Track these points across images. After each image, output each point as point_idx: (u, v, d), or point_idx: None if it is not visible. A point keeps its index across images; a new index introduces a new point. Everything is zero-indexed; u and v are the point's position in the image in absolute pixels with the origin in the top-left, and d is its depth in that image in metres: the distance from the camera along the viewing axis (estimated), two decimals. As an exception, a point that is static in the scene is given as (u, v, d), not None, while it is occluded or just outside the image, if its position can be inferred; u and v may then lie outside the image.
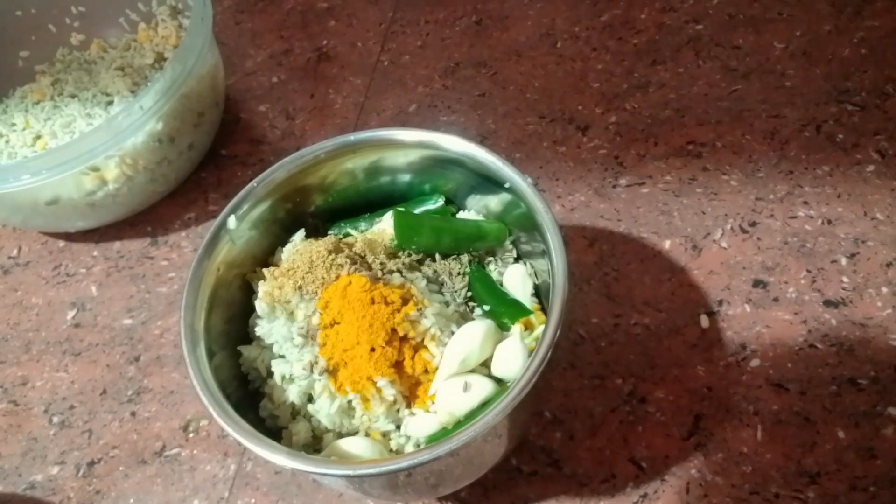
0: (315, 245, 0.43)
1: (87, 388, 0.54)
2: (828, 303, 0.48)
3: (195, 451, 0.50)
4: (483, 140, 0.61)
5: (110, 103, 0.65)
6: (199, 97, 0.59)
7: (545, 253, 0.40)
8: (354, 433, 0.40)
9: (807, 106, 0.58)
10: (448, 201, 0.47)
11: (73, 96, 0.66)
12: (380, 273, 0.42)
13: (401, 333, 0.39)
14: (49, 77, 0.69)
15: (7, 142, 0.64)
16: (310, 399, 0.41)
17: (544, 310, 0.43)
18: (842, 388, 0.44)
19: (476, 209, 0.47)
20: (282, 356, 0.42)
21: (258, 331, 0.42)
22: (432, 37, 0.71)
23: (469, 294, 0.43)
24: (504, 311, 0.42)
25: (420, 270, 0.44)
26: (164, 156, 0.58)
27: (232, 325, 0.44)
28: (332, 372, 0.40)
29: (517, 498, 0.44)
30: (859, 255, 0.49)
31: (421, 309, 0.40)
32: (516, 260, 0.46)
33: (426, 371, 0.39)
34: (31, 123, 0.64)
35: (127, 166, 0.56)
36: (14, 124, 0.65)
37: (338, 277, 0.41)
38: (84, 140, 0.53)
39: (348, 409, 0.40)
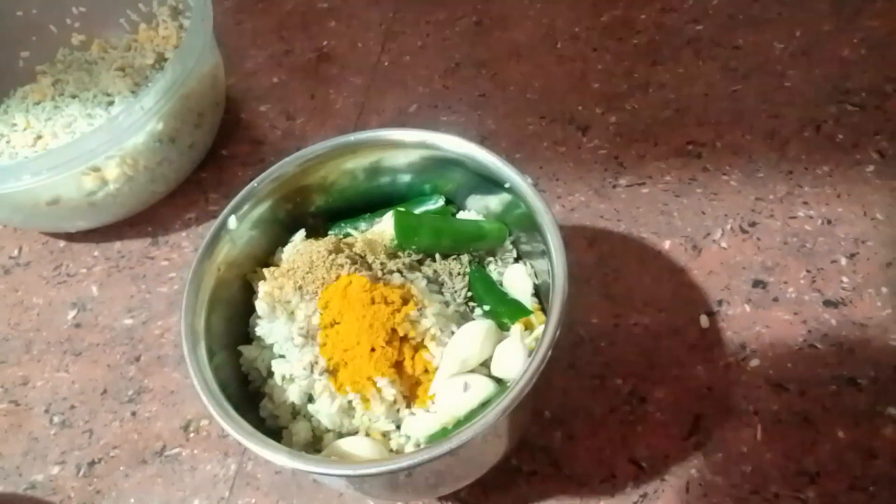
0: (315, 245, 0.43)
1: (87, 387, 0.54)
2: (828, 303, 0.48)
3: (195, 451, 0.50)
4: (483, 140, 0.61)
5: (111, 103, 0.65)
6: (199, 97, 0.59)
7: (545, 253, 0.40)
8: (354, 433, 0.40)
9: (807, 106, 0.58)
10: (448, 201, 0.47)
11: (73, 96, 0.67)
12: (380, 273, 0.42)
13: (401, 333, 0.39)
14: (50, 77, 0.69)
15: (8, 142, 0.64)
16: (310, 399, 0.41)
17: (544, 310, 0.43)
18: (841, 388, 0.44)
19: (476, 209, 0.47)
20: (282, 356, 0.42)
21: (258, 331, 0.42)
22: (432, 37, 0.71)
23: (469, 294, 0.43)
24: (504, 311, 0.42)
25: (420, 270, 0.44)
26: (165, 156, 0.58)
27: (232, 325, 0.44)
28: (332, 372, 0.40)
29: (517, 498, 0.44)
30: (859, 255, 0.49)
31: (421, 309, 0.40)
32: (516, 260, 0.46)
33: (426, 371, 0.40)
34: (32, 124, 0.65)
35: (127, 166, 0.56)
36: (15, 124, 0.65)
37: (338, 277, 0.41)
38: (85, 140, 0.53)
39: (348, 409, 0.40)
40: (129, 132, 0.54)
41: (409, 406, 0.40)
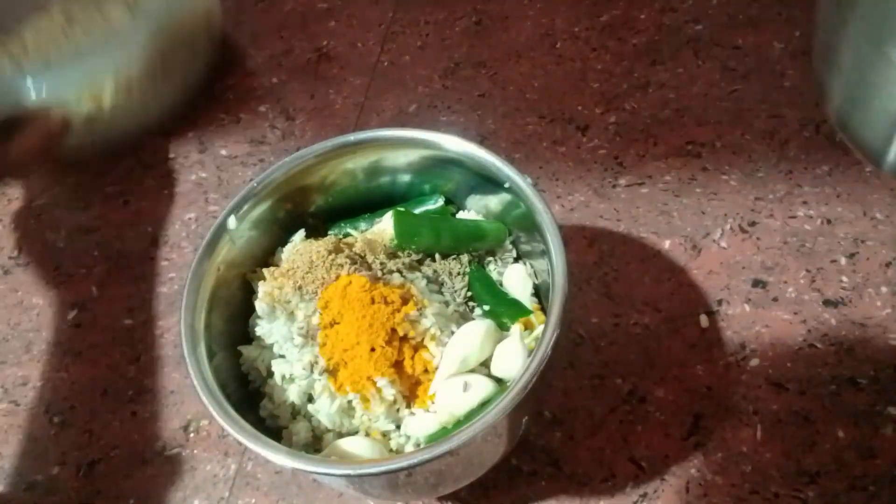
0: (315, 245, 0.43)
1: (87, 388, 0.54)
2: (827, 302, 0.48)
3: (195, 451, 0.50)
4: (483, 140, 0.61)
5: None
6: (192, 29, 0.64)
7: (545, 253, 0.40)
8: (354, 433, 0.40)
9: (806, 106, 0.58)
10: (448, 201, 0.47)
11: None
12: (380, 273, 0.42)
13: (401, 333, 0.39)
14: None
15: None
16: (310, 399, 0.41)
17: (544, 310, 0.43)
18: (841, 387, 0.44)
19: (476, 209, 0.47)
20: (282, 356, 0.42)
21: (258, 331, 0.42)
22: (432, 37, 0.71)
23: (469, 294, 0.43)
24: (504, 310, 0.42)
25: (420, 270, 0.44)
26: (158, 85, 0.62)
27: (232, 325, 0.44)
28: (332, 372, 0.40)
29: (517, 498, 0.44)
30: (859, 254, 0.49)
31: (421, 309, 0.40)
32: (516, 260, 0.46)
33: (426, 371, 0.40)
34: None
35: (121, 91, 0.59)
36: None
37: (338, 277, 0.41)
38: (81, 62, 0.56)
39: (348, 409, 0.40)
40: (123, 54, 0.58)
41: (408, 406, 0.40)
